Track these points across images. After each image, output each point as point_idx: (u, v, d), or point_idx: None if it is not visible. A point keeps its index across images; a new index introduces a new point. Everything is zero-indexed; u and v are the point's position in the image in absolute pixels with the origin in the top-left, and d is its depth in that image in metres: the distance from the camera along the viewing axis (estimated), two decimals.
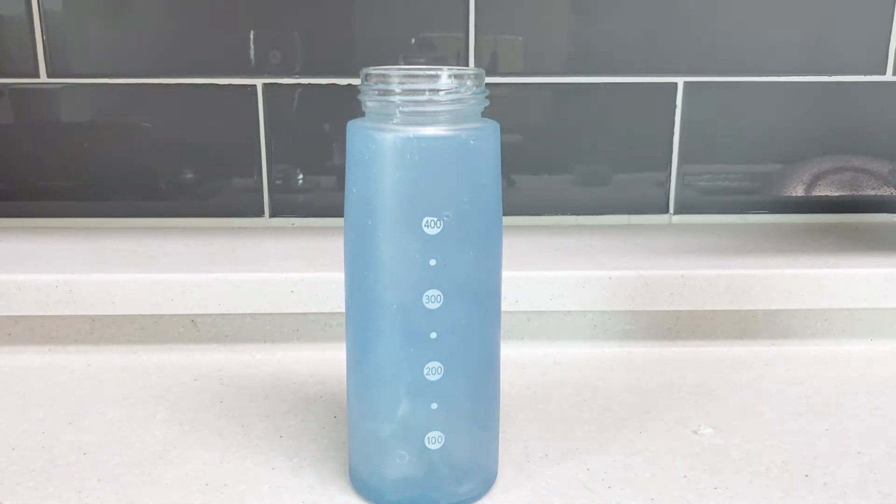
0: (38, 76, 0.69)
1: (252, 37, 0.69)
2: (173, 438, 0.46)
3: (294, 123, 0.71)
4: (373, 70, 0.35)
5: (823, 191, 0.74)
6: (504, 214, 0.38)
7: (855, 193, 0.74)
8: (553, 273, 0.57)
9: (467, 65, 0.70)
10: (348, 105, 0.70)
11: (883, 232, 0.70)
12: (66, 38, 0.68)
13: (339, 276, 0.55)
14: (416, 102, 0.34)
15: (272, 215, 0.73)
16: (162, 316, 0.58)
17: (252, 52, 0.69)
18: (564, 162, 0.73)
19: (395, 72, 0.34)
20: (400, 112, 0.34)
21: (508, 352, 0.57)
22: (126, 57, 0.69)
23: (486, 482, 0.40)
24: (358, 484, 0.40)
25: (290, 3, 0.68)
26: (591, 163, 0.73)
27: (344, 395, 0.50)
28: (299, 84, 0.70)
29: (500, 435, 0.41)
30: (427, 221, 0.34)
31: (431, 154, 0.34)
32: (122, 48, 0.69)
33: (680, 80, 0.70)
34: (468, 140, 0.34)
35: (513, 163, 0.72)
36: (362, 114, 0.36)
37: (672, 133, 0.72)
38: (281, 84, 0.69)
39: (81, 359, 0.57)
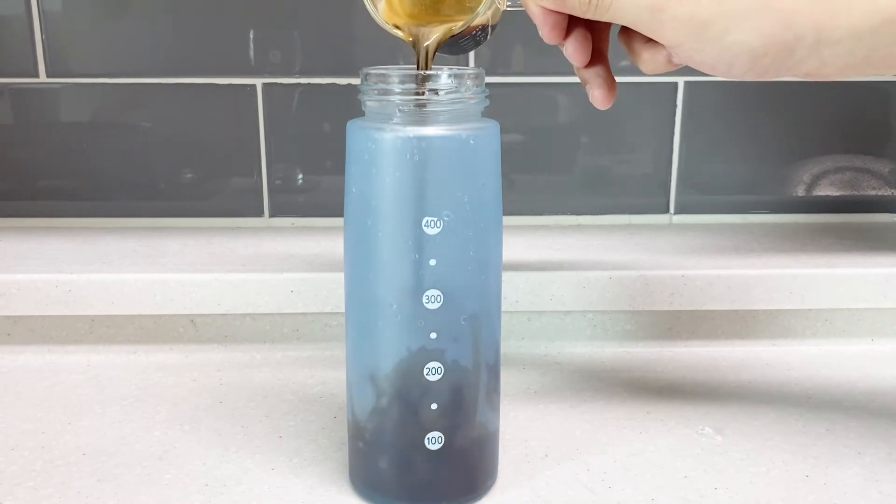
0: (37, 76, 0.69)
1: (252, 37, 0.69)
2: (173, 438, 0.46)
3: (294, 123, 0.71)
4: (373, 70, 0.35)
5: (824, 191, 0.74)
6: (504, 214, 0.38)
7: (855, 193, 0.74)
8: (553, 273, 0.57)
9: (467, 65, 0.70)
10: (348, 105, 0.70)
11: (883, 232, 0.70)
12: (66, 38, 0.68)
13: (339, 276, 0.56)
14: (416, 102, 0.34)
15: (272, 215, 0.73)
16: (162, 316, 0.58)
17: (252, 52, 0.69)
18: (564, 162, 0.73)
19: (395, 72, 0.34)
20: (400, 112, 0.34)
21: (508, 352, 0.57)
22: (126, 57, 0.69)
23: (486, 482, 0.40)
24: (358, 484, 0.40)
25: (290, 3, 0.68)
26: (591, 163, 0.73)
27: (344, 395, 0.50)
28: (299, 84, 0.70)
29: (500, 435, 0.41)
30: (427, 221, 0.34)
31: (431, 154, 0.34)
32: (122, 48, 0.69)
33: (680, 80, 0.70)
34: (468, 140, 0.34)
35: (513, 163, 0.72)
36: (362, 114, 0.36)
37: (672, 133, 0.72)
38: (281, 84, 0.69)
39: (81, 359, 0.57)
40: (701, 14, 0.34)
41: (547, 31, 0.37)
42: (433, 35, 0.39)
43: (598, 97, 0.39)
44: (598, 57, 0.39)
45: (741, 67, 0.35)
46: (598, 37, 0.39)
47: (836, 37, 0.33)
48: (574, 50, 0.38)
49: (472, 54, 0.69)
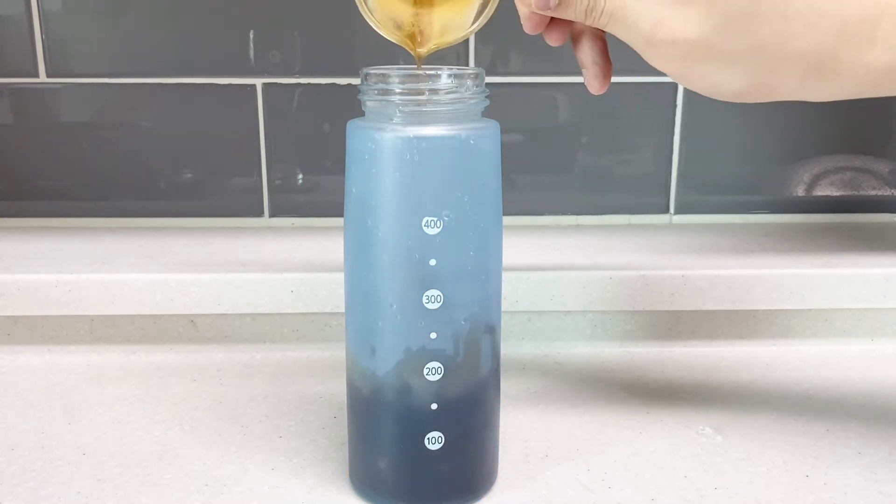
0: (37, 76, 0.69)
1: (252, 37, 0.69)
2: (173, 438, 0.46)
3: (294, 123, 0.71)
4: (373, 70, 0.35)
5: (823, 191, 0.74)
6: (504, 214, 0.38)
7: (855, 193, 0.74)
8: (553, 273, 0.57)
9: (467, 65, 0.70)
10: (348, 105, 0.70)
11: (883, 232, 0.70)
12: (66, 38, 0.68)
13: (339, 276, 0.56)
14: (416, 102, 0.34)
15: (272, 215, 0.73)
16: (161, 316, 0.58)
17: (252, 52, 0.69)
18: (564, 162, 0.73)
19: (395, 72, 0.34)
20: (400, 112, 0.34)
21: (508, 352, 0.57)
22: (126, 57, 0.69)
23: (486, 482, 0.40)
24: (358, 484, 0.40)
25: (290, 3, 0.68)
26: (591, 163, 0.73)
27: (344, 395, 0.50)
28: (299, 84, 0.70)
29: (500, 435, 0.41)
30: (427, 221, 0.34)
31: (431, 154, 0.34)
32: (122, 48, 0.69)
33: None
34: (468, 140, 0.34)
35: (513, 163, 0.71)
36: (362, 114, 0.36)
37: (672, 133, 0.72)
38: (281, 84, 0.69)
39: (81, 359, 0.57)
40: (692, 55, 0.35)
41: (531, 27, 0.38)
42: (429, 43, 0.39)
43: (592, 83, 0.40)
44: (595, 41, 0.39)
45: (725, 98, 0.36)
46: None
47: (819, 84, 0.35)
48: (552, 38, 0.39)
49: (471, 54, 0.69)
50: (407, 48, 0.39)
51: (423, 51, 0.39)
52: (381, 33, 0.39)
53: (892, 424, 0.47)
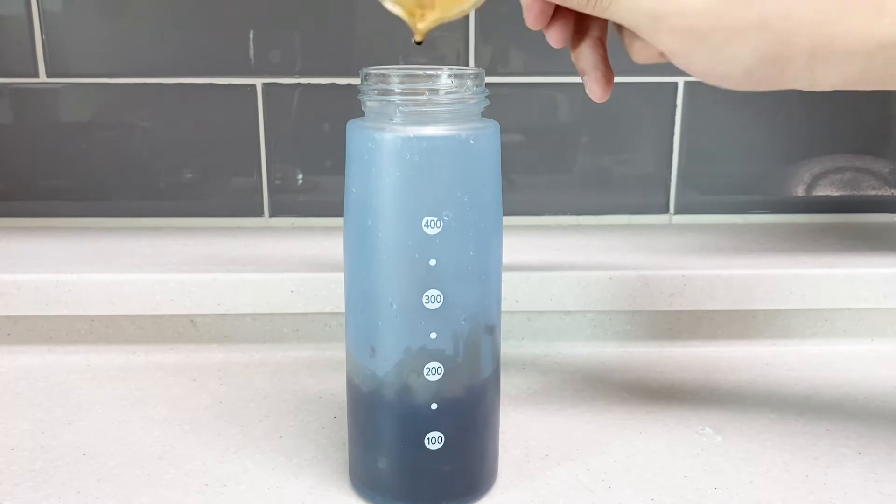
0: (37, 76, 0.69)
1: (252, 37, 0.69)
2: (173, 438, 0.46)
3: (294, 123, 0.71)
4: (373, 70, 0.35)
5: (823, 191, 0.74)
6: (504, 214, 0.38)
7: (855, 193, 0.74)
8: (553, 273, 0.57)
9: (467, 65, 0.70)
10: (348, 105, 0.70)
11: (883, 232, 0.70)
12: (66, 38, 0.68)
13: (339, 276, 0.56)
14: (416, 102, 0.34)
15: (272, 215, 0.73)
16: (161, 316, 0.58)
17: (252, 52, 0.69)
18: (564, 162, 0.73)
19: (395, 72, 0.34)
20: (400, 112, 0.34)
21: (508, 352, 0.57)
22: (126, 57, 0.69)
23: (486, 482, 0.40)
24: (358, 484, 0.40)
25: (290, 3, 0.68)
26: (591, 163, 0.73)
27: (344, 395, 0.50)
28: (299, 84, 0.70)
29: (500, 435, 0.41)
30: (427, 221, 0.34)
31: (431, 154, 0.34)
32: (122, 48, 0.69)
33: (680, 80, 0.70)
34: (468, 140, 0.34)
35: (513, 163, 0.71)
36: (362, 114, 0.36)
37: (672, 133, 0.72)
38: (281, 84, 0.69)
39: (81, 359, 0.57)
40: (699, 27, 0.34)
41: (532, 19, 0.38)
42: (430, 17, 0.38)
43: (594, 90, 0.39)
44: (596, 48, 0.39)
45: (734, 80, 0.35)
46: (593, 24, 0.39)
47: (829, 59, 0.34)
48: (552, 36, 0.39)
49: (471, 54, 0.69)
50: (408, 22, 0.39)
51: (423, 26, 0.39)
52: (384, 5, 0.39)
53: (892, 424, 0.47)
